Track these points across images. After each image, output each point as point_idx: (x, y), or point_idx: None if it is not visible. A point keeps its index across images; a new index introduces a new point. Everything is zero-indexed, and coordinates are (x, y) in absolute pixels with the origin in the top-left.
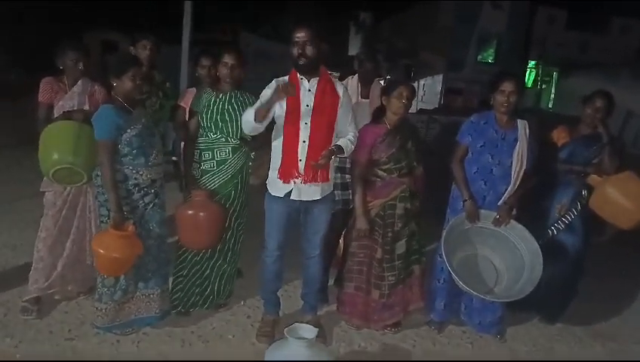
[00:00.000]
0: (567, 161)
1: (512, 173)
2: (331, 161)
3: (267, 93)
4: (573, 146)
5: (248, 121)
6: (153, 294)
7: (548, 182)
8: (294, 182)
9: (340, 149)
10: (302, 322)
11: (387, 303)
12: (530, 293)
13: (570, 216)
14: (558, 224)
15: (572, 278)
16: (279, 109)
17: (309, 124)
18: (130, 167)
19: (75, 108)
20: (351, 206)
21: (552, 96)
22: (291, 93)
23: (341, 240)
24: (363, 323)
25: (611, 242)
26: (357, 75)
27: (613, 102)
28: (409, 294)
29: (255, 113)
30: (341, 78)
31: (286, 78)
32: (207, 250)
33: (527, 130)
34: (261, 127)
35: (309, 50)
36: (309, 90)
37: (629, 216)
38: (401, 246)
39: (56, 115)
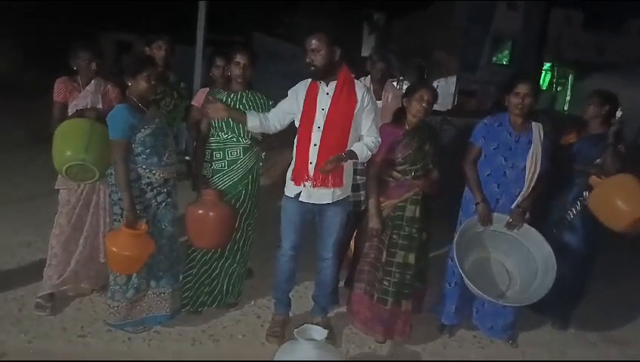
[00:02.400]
0: (571, 160)
1: (526, 176)
2: (346, 166)
3: (291, 96)
4: (579, 146)
5: (254, 126)
6: (165, 293)
7: (553, 181)
8: (304, 185)
9: (352, 154)
10: (312, 323)
11: (378, 314)
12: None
13: (570, 215)
14: (560, 223)
15: (577, 279)
16: (297, 111)
17: (321, 127)
18: (144, 166)
19: (89, 107)
20: (362, 207)
21: (568, 98)
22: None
23: (352, 242)
24: (362, 327)
25: (626, 247)
26: (369, 75)
27: (613, 101)
28: (393, 320)
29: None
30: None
31: (308, 81)
32: (217, 250)
33: (542, 133)
34: (259, 130)
35: (318, 59)
36: (327, 94)
37: (624, 218)
38: (401, 256)
39: (70, 114)
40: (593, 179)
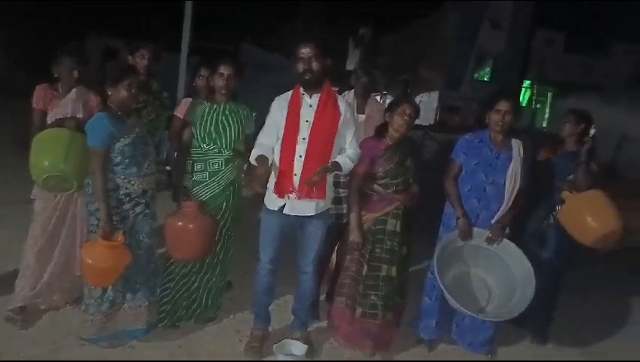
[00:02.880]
0: (546, 176)
1: (506, 192)
2: (328, 177)
3: (269, 121)
4: (555, 162)
5: (252, 160)
6: (141, 306)
7: (530, 196)
8: (288, 197)
9: (336, 166)
10: (292, 338)
11: (367, 328)
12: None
13: (543, 229)
14: (533, 237)
15: (551, 293)
16: (282, 126)
17: (306, 139)
18: (122, 176)
19: (69, 116)
20: (344, 220)
21: (547, 116)
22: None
23: (333, 255)
24: (346, 342)
25: (600, 261)
26: (353, 89)
27: (586, 120)
28: (383, 333)
29: (257, 162)
30: (338, 93)
31: (289, 93)
32: (196, 263)
33: (522, 150)
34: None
35: (315, 66)
36: (310, 106)
37: (592, 233)
38: (385, 269)
39: (49, 123)
40: (565, 194)
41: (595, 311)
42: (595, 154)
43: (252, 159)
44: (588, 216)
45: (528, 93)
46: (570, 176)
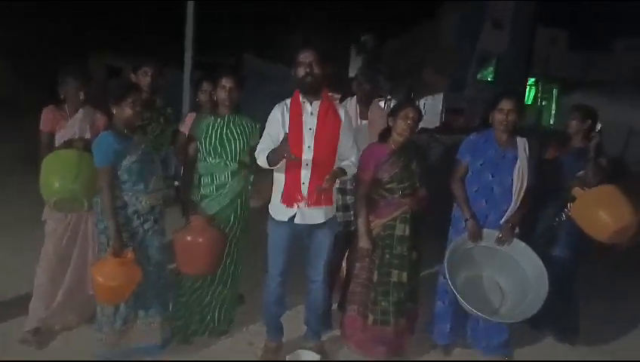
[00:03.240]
0: (555, 173)
1: (513, 191)
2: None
3: (271, 128)
4: (562, 159)
5: (263, 164)
6: (154, 323)
7: (538, 195)
8: (298, 206)
9: (343, 171)
10: (305, 348)
11: (380, 335)
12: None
13: (554, 227)
14: (544, 235)
15: (568, 290)
16: (282, 133)
17: (312, 147)
18: (130, 193)
19: (77, 137)
20: (352, 227)
21: (553, 112)
22: (290, 157)
23: (344, 263)
24: (360, 350)
25: (618, 263)
26: (355, 96)
27: (592, 115)
28: (396, 340)
29: (269, 161)
30: (341, 100)
31: (288, 101)
32: (207, 277)
33: (527, 148)
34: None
35: (316, 71)
36: (312, 113)
37: (605, 228)
38: (395, 275)
39: (57, 144)
40: (576, 191)
41: (614, 312)
42: (603, 149)
43: (262, 161)
44: (601, 211)
45: (533, 91)
46: (580, 173)
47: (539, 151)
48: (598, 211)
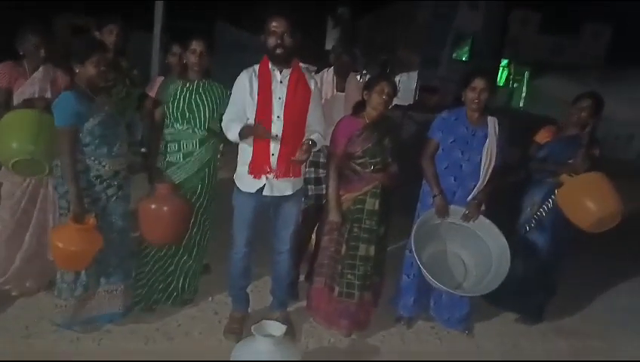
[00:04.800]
0: (543, 159)
1: (481, 169)
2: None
3: (237, 95)
4: (552, 146)
5: (233, 138)
6: (116, 290)
7: (526, 180)
8: (266, 178)
9: (314, 143)
10: (271, 318)
11: (344, 308)
12: (508, 292)
13: (541, 213)
14: (530, 221)
15: (546, 277)
16: (250, 103)
17: (281, 117)
18: (92, 158)
19: (36, 96)
20: (324, 201)
21: (523, 95)
22: (266, 136)
23: (313, 236)
24: (324, 323)
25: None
26: (332, 67)
27: (602, 104)
28: (360, 313)
29: (240, 135)
30: (318, 72)
31: (256, 67)
32: (171, 246)
33: (497, 127)
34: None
35: (287, 40)
36: (281, 82)
37: (590, 215)
38: (363, 249)
39: (15, 103)
40: (564, 178)
41: (569, 289)
42: (597, 138)
43: (233, 135)
44: (586, 198)
45: (506, 73)
46: (570, 161)
47: (507, 132)
48: (583, 198)
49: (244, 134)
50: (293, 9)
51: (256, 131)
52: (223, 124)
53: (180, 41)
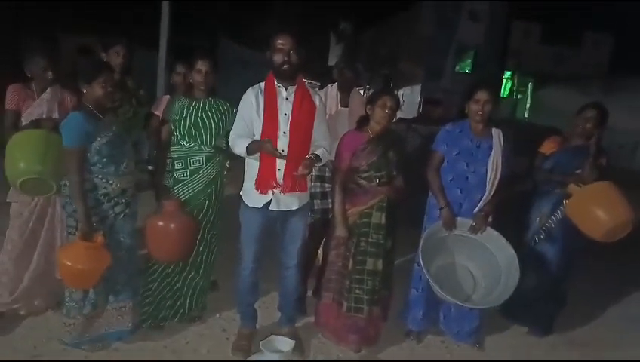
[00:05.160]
0: (550, 170)
1: (488, 181)
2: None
3: (244, 111)
4: (559, 156)
5: (240, 152)
6: (125, 307)
7: (533, 191)
8: (273, 193)
9: (318, 158)
10: (279, 334)
11: (353, 323)
12: (518, 304)
13: (550, 224)
14: (539, 233)
15: (556, 288)
16: (257, 119)
17: (287, 133)
18: (100, 176)
19: (44, 117)
20: (330, 215)
21: (528, 105)
22: (273, 153)
23: (320, 250)
24: (333, 338)
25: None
26: (336, 83)
27: (606, 114)
28: (369, 328)
29: (248, 150)
30: (321, 87)
31: (262, 85)
32: (179, 262)
33: (502, 139)
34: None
35: (294, 57)
36: (287, 99)
37: (600, 225)
38: (371, 263)
39: (24, 123)
40: (572, 188)
41: (581, 299)
42: (603, 148)
43: (240, 150)
44: (597, 208)
45: (510, 84)
46: (578, 171)
47: (512, 144)
48: (593, 208)
49: (251, 150)
50: (297, 26)
51: (264, 147)
52: (230, 140)
53: (185, 60)
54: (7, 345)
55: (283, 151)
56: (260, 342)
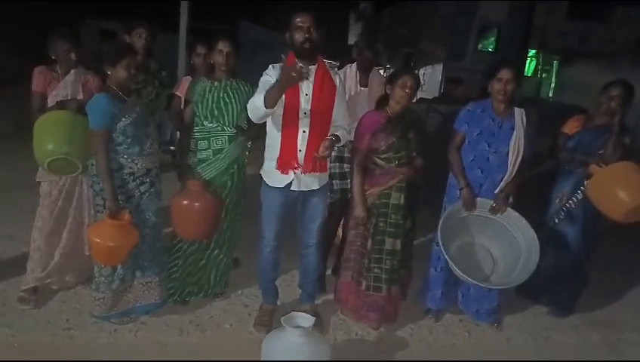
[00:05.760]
0: (572, 150)
1: (509, 161)
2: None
3: (267, 79)
4: (582, 136)
5: (258, 107)
6: (152, 282)
7: (555, 171)
8: (294, 173)
9: (338, 139)
10: (299, 311)
11: (372, 301)
12: (539, 284)
13: (570, 204)
14: (560, 213)
15: (577, 268)
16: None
17: (308, 113)
18: (125, 156)
19: (69, 98)
20: (349, 195)
21: (553, 85)
22: (306, 76)
23: (339, 230)
24: (353, 315)
25: (608, 231)
26: (355, 63)
27: (632, 91)
28: (388, 306)
29: (265, 99)
30: (340, 67)
31: (283, 65)
32: (203, 241)
33: (524, 119)
34: (271, 113)
35: (314, 35)
36: (307, 79)
37: (621, 205)
38: (389, 243)
39: (49, 105)
40: (594, 168)
41: (603, 280)
42: (627, 126)
43: (258, 103)
44: (618, 188)
45: (534, 63)
46: (601, 151)
47: (536, 124)
48: (614, 188)
49: (271, 96)
50: (316, 5)
51: (286, 74)
52: (248, 106)
53: (206, 41)
54: (41, 318)
55: (305, 131)
56: (282, 318)
